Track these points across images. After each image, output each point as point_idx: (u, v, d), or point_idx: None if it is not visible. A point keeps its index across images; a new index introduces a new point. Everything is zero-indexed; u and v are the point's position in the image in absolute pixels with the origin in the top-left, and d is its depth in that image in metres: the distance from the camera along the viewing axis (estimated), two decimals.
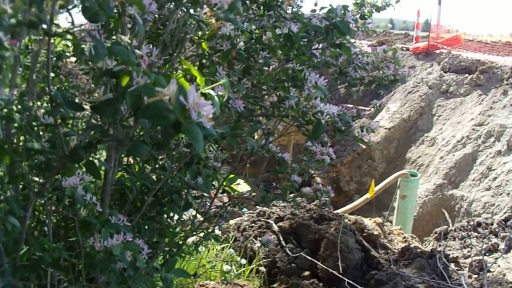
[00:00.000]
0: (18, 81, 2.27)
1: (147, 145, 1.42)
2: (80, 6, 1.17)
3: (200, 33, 2.76)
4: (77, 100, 2.77)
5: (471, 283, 5.49)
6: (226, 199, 3.95)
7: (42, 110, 2.16)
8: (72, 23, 1.30)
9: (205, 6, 1.87)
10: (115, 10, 1.41)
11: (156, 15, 2.29)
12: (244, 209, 6.80)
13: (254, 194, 3.40)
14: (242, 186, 6.50)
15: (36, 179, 2.13)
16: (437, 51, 16.63)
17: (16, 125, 1.95)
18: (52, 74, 2.84)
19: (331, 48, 2.63)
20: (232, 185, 3.36)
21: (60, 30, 1.26)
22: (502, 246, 7.66)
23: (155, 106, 1.07)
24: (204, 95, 1.25)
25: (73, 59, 2.84)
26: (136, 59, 1.22)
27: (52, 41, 2.81)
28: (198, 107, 1.05)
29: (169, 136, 1.09)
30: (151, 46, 1.87)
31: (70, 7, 1.19)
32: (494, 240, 7.97)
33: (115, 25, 1.31)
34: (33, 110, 2.08)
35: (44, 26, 1.18)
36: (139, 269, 2.08)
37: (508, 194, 10.39)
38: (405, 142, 14.17)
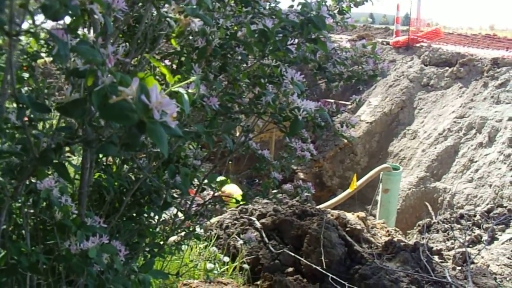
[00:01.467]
0: None
1: (116, 145, 1.40)
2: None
3: (176, 29, 2.73)
4: (53, 100, 2.73)
5: (455, 275, 5.50)
6: (207, 197, 3.94)
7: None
8: (33, 22, 1.27)
9: (173, 2, 1.84)
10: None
11: (130, 13, 2.26)
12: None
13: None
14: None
15: (12, 181, 2.10)
16: (417, 45, 16.70)
17: None
18: (26, 75, 2.79)
19: (308, 44, 2.60)
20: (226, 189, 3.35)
21: (22, 30, 1.22)
22: (485, 237, 7.70)
23: (118, 106, 1.05)
24: (175, 93, 1.23)
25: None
26: (101, 58, 1.19)
27: (26, 41, 2.78)
28: (162, 106, 1.03)
29: (134, 136, 1.07)
30: (126, 45, 1.85)
31: (34, 7, 1.16)
32: (477, 231, 8.02)
33: (76, 23, 1.27)
34: (7, 112, 2.04)
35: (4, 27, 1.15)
36: (117, 271, 2.06)
37: (490, 185, 10.46)
38: (387, 136, 14.22)
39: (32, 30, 1.27)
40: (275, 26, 2.44)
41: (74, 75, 1.31)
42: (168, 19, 1.89)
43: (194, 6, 1.83)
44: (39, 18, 1.35)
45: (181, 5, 1.86)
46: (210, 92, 2.45)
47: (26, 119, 1.94)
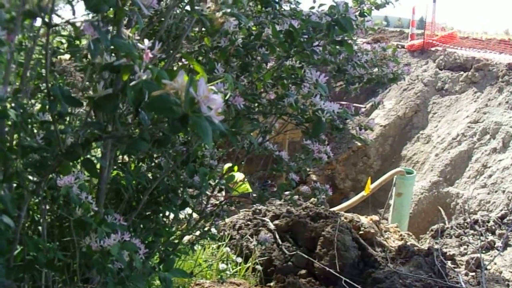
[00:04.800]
0: (12, 78, 2.24)
1: (147, 142, 1.38)
2: None
3: (196, 29, 2.72)
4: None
5: (468, 280, 5.47)
6: (222, 198, 3.92)
7: (37, 107, 2.12)
8: (73, 13, 1.26)
9: (208, 0, 1.83)
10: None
11: (152, 11, 2.26)
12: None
13: (254, 195, 3.40)
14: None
15: (30, 177, 2.10)
16: (432, 49, 16.63)
17: (9, 122, 1.91)
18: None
19: (332, 45, 2.59)
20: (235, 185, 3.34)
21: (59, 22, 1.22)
22: (498, 243, 7.65)
23: (161, 99, 1.03)
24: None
25: (67, 56, 2.81)
26: (138, 53, 1.18)
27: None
28: (208, 100, 1.01)
29: (175, 130, 1.05)
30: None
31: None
32: (490, 237, 7.97)
33: (119, 16, 1.26)
34: (27, 108, 2.04)
35: (44, 16, 1.14)
36: (135, 269, 2.05)
37: (504, 191, 10.39)
38: (400, 140, 14.17)
39: (72, 21, 1.26)
40: (301, 27, 2.42)
41: (107, 70, 1.30)
42: (202, 17, 1.88)
43: (231, 5, 1.83)
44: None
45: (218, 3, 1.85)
46: (233, 92, 2.44)
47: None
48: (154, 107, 1.04)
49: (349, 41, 2.54)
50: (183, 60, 2.89)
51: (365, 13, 3.26)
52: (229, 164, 3.37)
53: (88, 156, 1.70)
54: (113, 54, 1.55)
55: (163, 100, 1.03)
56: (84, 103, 1.78)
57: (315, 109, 2.20)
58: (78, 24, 1.33)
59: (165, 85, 1.05)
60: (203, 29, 2.51)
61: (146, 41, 1.25)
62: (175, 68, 2.63)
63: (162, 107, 1.04)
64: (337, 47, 2.71)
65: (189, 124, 1.01)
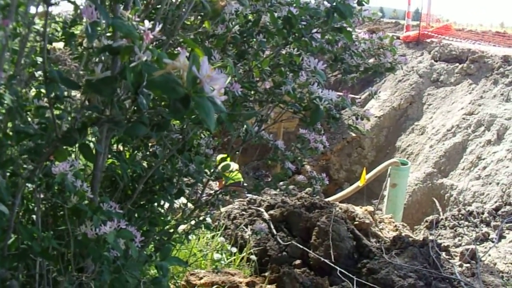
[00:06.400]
0: (6, 66, 2.21)
1: (146, 126, 1.36)
2: None
3: (192, 18, 2.70)
4: None
5: (462, 271, 5.47)
6: (215, 188, 3.90)
7: (32, 92, 2.10)
8: None
9: None
10: None
11: None
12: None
13: (246, 184, 3.39)
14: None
15: (25, 165, 2.08)
16: (428, 40, 16.62)
17: (3, 111, 1.88)
18: (40, 59, 2.76)
19: (331, 33, 2.57)
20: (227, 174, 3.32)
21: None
22: (492, 235, 7.66)
23: (163, 79, 1.01)
24: None
25: (61, 45, 2.78)
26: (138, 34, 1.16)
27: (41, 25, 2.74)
28: (211, 80, 0.99)
29: (176, 111, 1.02)
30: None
31: None
32: (485, 229, 7.98)
33: None
34: (22, 95, 2.02)
35: None
36: (130, 258, 2.03)
37: (498, 183, 10.41)
38: (395, 131, 14.18)
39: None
40: (300, 13, 2.40)
41: (106, 51, 1.28)
42: (203, 0, 1.86)
43: None
44: None
45: None
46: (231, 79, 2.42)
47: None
48: (156, 86, 1.01)
49: (348, 29, 2.52)
50: (178, 49, 2.86)
51: (363, 2, 3.23)
52: (222, 155, 3.36)
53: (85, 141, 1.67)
54: (109, 40, 1.53)
55: (165, 80, 1.00)
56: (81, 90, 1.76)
57: (313, 97, 2.17)
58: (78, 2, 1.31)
59: (166, 65, 1.02)
60: (200, 16, 2.49)
61: (146, 22, 1.22)
62: None
63: (164, 87, 1.01)
64: (336, 35, 2.68)
65: (191, 105, 0.99)
